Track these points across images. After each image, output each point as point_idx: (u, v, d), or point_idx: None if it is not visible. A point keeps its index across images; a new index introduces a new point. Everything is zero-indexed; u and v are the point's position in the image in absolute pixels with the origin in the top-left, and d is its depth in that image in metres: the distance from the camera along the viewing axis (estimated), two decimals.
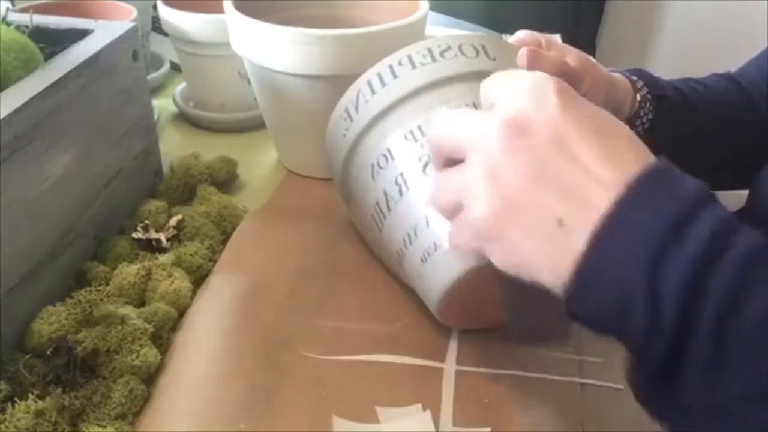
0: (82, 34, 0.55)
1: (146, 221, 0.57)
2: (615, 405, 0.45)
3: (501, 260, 0.36)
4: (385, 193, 0.48)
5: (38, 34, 0.53)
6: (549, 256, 0.33)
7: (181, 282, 0.51)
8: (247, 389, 0.45)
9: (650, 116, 0.61)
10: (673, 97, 0.62)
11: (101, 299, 0.48)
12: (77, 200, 0.51)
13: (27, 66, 0.49)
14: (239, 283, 0.54)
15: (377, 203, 0.49)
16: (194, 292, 0.53)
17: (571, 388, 0.46)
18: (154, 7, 0.82)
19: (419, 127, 0.47)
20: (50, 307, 0.47)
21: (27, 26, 0.54)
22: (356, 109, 0.51)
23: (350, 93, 0.51)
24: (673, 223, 0.30)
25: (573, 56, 0.56)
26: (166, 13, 0.73)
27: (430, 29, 0.69)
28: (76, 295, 0.48)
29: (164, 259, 0.53)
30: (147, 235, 0.56)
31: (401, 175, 0.48)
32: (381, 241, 0.51)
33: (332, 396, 0.45)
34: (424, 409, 0.44)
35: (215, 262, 0.56)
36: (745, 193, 0.70)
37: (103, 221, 0.55)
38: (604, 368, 0.48)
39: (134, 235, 0.56)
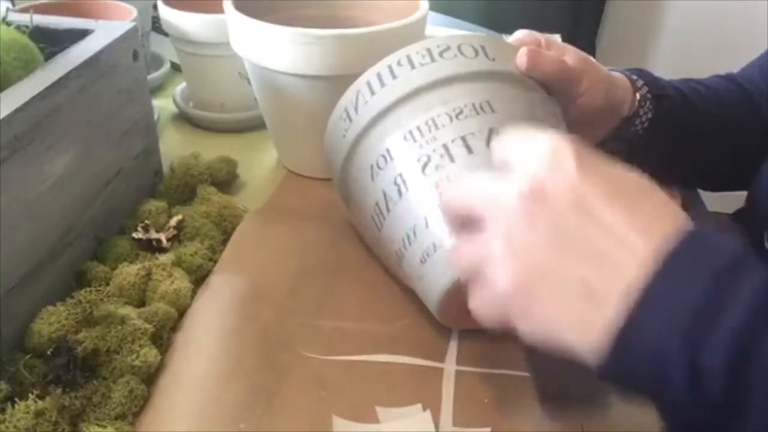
0: (82, 34, 0.55)
1: (146, 221, 0.57)
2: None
3: (527, 331, 0.34)
4: (385, 194, 0.48)
5: (38, 34, 0.53)
6: (578, 325, 0.32)
7: (181, 282, 0.51)
8: (247, 389, 0.45)
9: (650, 115, 0.61)
10: (673, 96, 0.62)
11: (101, 299, 0.49)
12: (77, 200, 0.51)
13: (27, 66, 0.49)
14: (239, 283, 0.54)
15: (376, 204, 0.49)
16: (194, 292, 0.53)
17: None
18: (154, 7, 0.82)
19: (418, 128, 0.47)
20: (50, 307, 0.47)
21: (27, 26, 0.54)
22: (355, 109, 0.51)
23: (349, 93, 0.51)
24: (712, 292, 0.29)
25: (572, 55, 0.56)
26: (166, 13, 0.73)
27: (430, 29, 0.69)
28: (76, 295, 0.48)
29: (164, 259, 0.53)
30: (147, 235, 0.56)
31: (400, 175, 0.48)
32: (380, 242, 0.51)
33: (332, 396, 0.45)
34: (424, 409, 0.44)
35: (215, 262, 0.56)
36: (745, 193, 0.70)
37: (103, 221, 0.55)
38: None
39: (134, 235, 0.56)
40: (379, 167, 0.49)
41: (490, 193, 0.35)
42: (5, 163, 0.42)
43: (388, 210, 0.49)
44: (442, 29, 0.92)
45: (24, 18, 0.55)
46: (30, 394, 0.41)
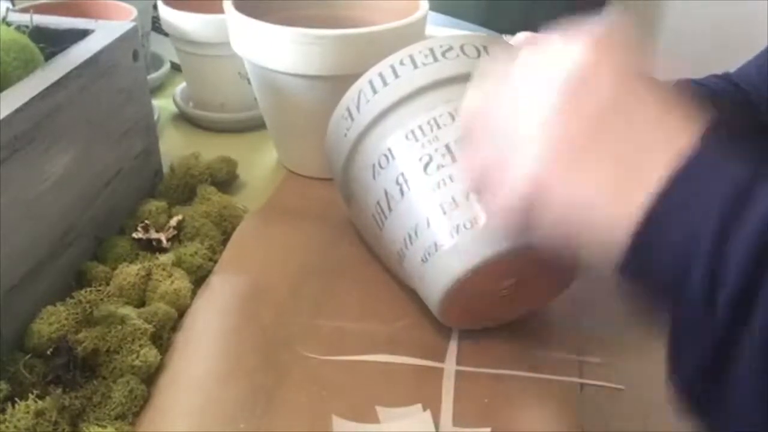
0: (82, 34, 0.55)
1: (146, 221, 0.57)
2: (615, 405, 0.45)
3: (553, 215, 0.34)
4: (386, 193, 0.48)
5: (38, 34, 0.53)
6: (615, 195, 0.31)
7: (181, 282, 0.51)
8: (247, 389, 0.45)
9: None
10: None
11: (101, 299, 0.48)
12: (77, 200, 0.51)
13: (27, 66, 0.49)
14: (239, 283, 0.54)
15: (378, 203, 0.49)
16: (194, 292, 0.53)
17: (571, 389, 0.46)
18: (154, 7, 0.82)
19: (420, 127, 0.48)
20: (50, 307, 0.47)
21: (27, 26, 0.54)
22: (357, 108, 0.51)
23: (352, 92, 0.51)
24: (750, 178, 0.29)
25: None
26: (166, 13, 0.73)
27: (430, 29, 0.69)
28: (76, 295, 0.48)
29: (164, 259, 0.53)
30: (147, 235, 0.56)
31: (402, 174, 0.48)
32: (381, 241, 0.51)
33: (332, 396, 0.45)
34: (424, 409, 0.44)
35: (215, 262, 0.56)
36: None
37: (103, 221, 0.55)
38: (604, 368, 0.48)
39: (134, 235, 0.55)
40: (380, 166, 0.49)
41: (523, 76, 0.35)
42: (5, 163, 0.42)
43: (389, 209, 0.49)
44: (443, 29, 0.92)
45: (24, 18, 0.55)
46: (30, 394, 0.41)
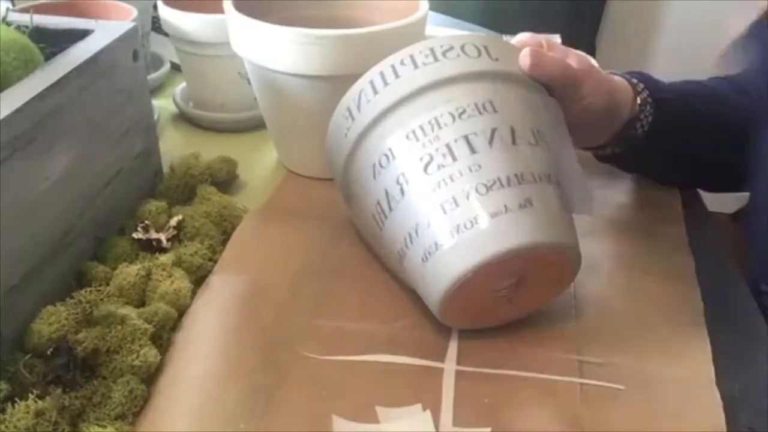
0: (82, 34, 0.55)
1: (146, 221, 0.57)
2: (615, 405, 0.45)
3: None
4: (387, 193, 0.48)
5: (38, 34, 0.53)
6: None
7: (181, 282, 0.51)
8: (247, 389, 0.45)
9: (650, 119, 0.61)
10: (673, 100, 0.62)
11: (101, 299, 0.48)
12: (77, 200, 0.51)
13: (27, 66, 0.49)
14: (239, 283, 0.54)
15: (378, 203, 0.49)
16: (194, 292, 0.53)
17: (571, 388, 0.46)
18: (155, 7, 0.82)
19: (421, 127, 0.48)
20: (50, 307, 0.47)
21: (27, 26, 0.54)
22: (358, 108, 0.51)
23: (352, 92, 0.51)
24: None
25: (574, 58, 0.56)
26: (166, 13, 0.73)
27: (430, 29, 0.69)
28: (76, 295, 0.48)
29: (164, 259, 0.53)
30: (147, 235, 0.56)
31: (402, 174, 0.48)
32: (382, 241, 0.51)
33: (332, 396, 0.45)
34: (424, 409, 0.44)
35: (215, 262, 0.56)
36: (746, 196, 0.70)
37: (103, 221, 0.55)
38: (604, 368, 0.48)
39: (134, 235, 0.55)
40: (381, 166, 0.49)
41: None
42: (5, 163, 0.42)
43: (390, 209, 0.48)
44: (443, 29, 0.92)
45: (24, 18, 0.55)
46: (30, 394, 0.41)
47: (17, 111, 0.43)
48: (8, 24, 0.52)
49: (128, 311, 0.48)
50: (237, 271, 0.55)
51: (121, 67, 0.55)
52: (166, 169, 0.64)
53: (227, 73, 0.74)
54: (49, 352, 0.44)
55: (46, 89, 0.46)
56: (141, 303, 0.51)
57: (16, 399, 0.41)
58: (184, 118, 0.80)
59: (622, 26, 1.77)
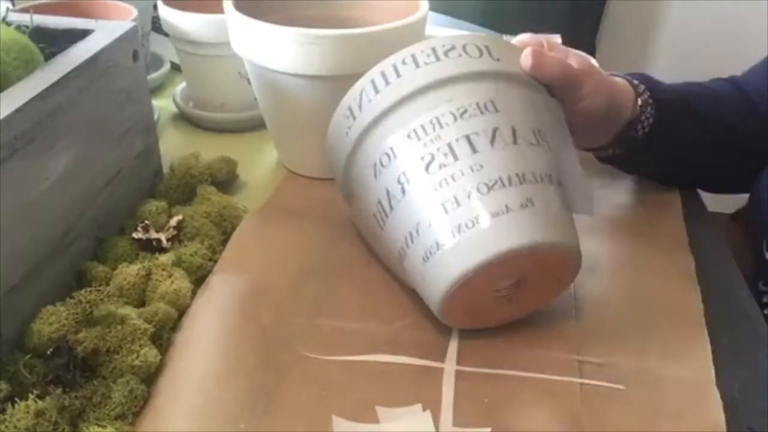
0: (82, 34, 0.55)
1: (146, 221, 0.57)
2: (615, 405, 0.45)
3: None
4: (388, 192, 0.48)
5: (38, 34, 0.53)
6: None
7: (181, 282, 0.51)
8: (247, 389, 0.45)
9: (651, 120, 0.61)
10: (674, 101, 0.62)
11: (101, 299, 0.48)
12: (77, 200, 0.51)
13: (27, 66, 0.49)
14: (239, 283, 0.54)
15: (379, 202, 0.49)
16: (194, 292, 0.53)
17: (571, 388, 0.46)
18: (155, 7, 0.82)
19: (422, 126, 0.48)
20: (50, 307, 0.47)
21: (27, 26, 0.54)
22: (359, 107, 0.51)
23: (353, 91, 0.51)
24: None
25: (575, 59, 0.56)
26: (166, 13, 0.73)
27: (430, 29, 0.69)
28: (76, 295, 0.48)
29: (164, 259, 0.53)
30: (147, 235, 0.55)
31: (404, 174, 0.48)
32: (382, 241, 0.51)
33: (332, 396, 0.45)
34: (424, 409, 0.44)
35: (215, 262, 0.56)
36: (746, 197, 0.70)
37: (103, 221, 0.55)
38: (604, 368, 0.48)
39: (134, 235, 0.55)
40: (382, 165, 0.49)
41: None
42: (5, 163, 0.42)
43: (390, 208, 0.48)
44: (443, 29, 0.92)
45: (24, 18, 0.55)
46: (30, 394, 0.41)
47: (17, 111, 0.43)
48: (8, 24, 0.52)
49: (128, 311, 0.48)
50: (237, 271, 0.55)
51: (121, 67, 0.55)
52: (166, 169, 0.64)
53: (227, 73, 0.74)
54: (49, 352, 0.44)
55: (46, 89, 0.46)
56: (141, 303, 0.51)
57: (16, 399, 0.41)
58: (184, 118, 0.80)
59: (622, 26, 1.77)
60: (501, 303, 0.49)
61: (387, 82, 0.49)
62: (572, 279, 0.50)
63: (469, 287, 0.45)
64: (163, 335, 0.48)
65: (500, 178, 0.45)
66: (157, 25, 0.85)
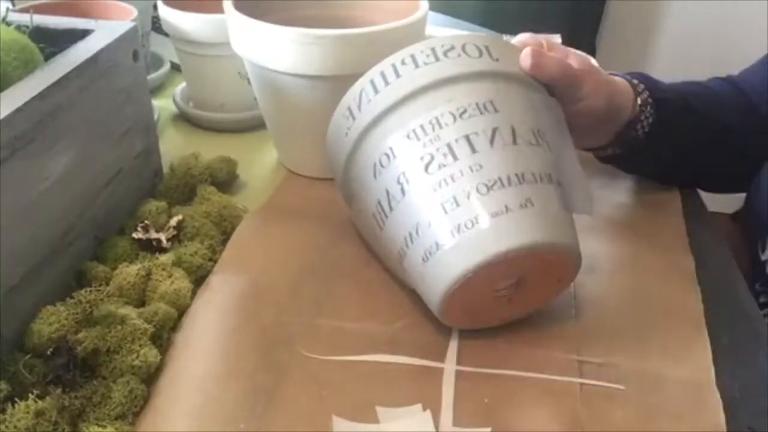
0: (82, 34, 0.55)
1: (146, 221, 0.57)
2: (615, 405, 0.45)
3: None
4: (387, 193, 0.48)
5: (38, 34, 0.53)
6: None
7: (181, 282, 0.51)
8: (247, 389, 0.45)
9: (651, 120, 0.61)
10: (674, 100, 0.62)
11: (101, 299, 0.48)
12: (77, 200, 0.51)
13: (27, 66, 0.49)
14: (239, 283, 0.54)
15: (379, 202, 0.49)
16: (194, 292, 0.53)
17: (571, 388, 0.46)
18: (155, 7, 0.82)
19: (422, 127, 0.48)
20: (50, 307, 0.47)
21: (27, 26, 0.54)
22: (359, 107, 0.51)
23: (353, 91, 0.51)
24: None
25: (574, 58, 0.56)
26: (166, 13, 0.73)
27: (430, 29, 0.69)
28: (76, 295, 0.48)
29: (164, 259, 0.53)
30: (147, 235, 0.56)
31: (403, 174, 0.48)
32: (382, 241, 0.51)
33: (332, 396, 0.45)
34: (424, 409, 0.44)
35: (215, 262, 0.56)
36: (743, 196, 0.70)
37: (103, 221, 0.55)
38: (604, 368, 0.48)
39: (134, 235, 0.55)
40: (381, 165, 0.49)
41: None
42: (5, 163, 0.42)
43: (390, 208, 0.48)
44: (443, 29, 0.92)
45: (24, 18, 0.55)
46: (30, 394, 0.41)
47: (17, 111, 0.43)
48: (8, 24, 0.52)
49: (128, 311, 0.48)
50: (237, 271, 0.55)
51: (121, 67, 0.55)
52: (166, 169, 0.64)
53: (227, 73, 0.74)
54: (49, 352, 0.44)
55: (46, 89, 0.46)
56: (141, 303, 0.51)
57: (16, 399, 0.41)
58: (184, 118, 0.80)
59: (622, 26, 1.77)
60: (501, 303, 0.49)
61: (386, 83, 0.49)
62: (572, 279, 0.50)
63: (468, 287, 0.45)
64: (163, 335, 0.48)
65: (500, 178, 0.45)
66: (157, 25, 0.85)
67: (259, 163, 0.72)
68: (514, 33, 0.59)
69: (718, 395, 0.46)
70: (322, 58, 0.58)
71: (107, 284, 0.51)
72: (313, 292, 0.54)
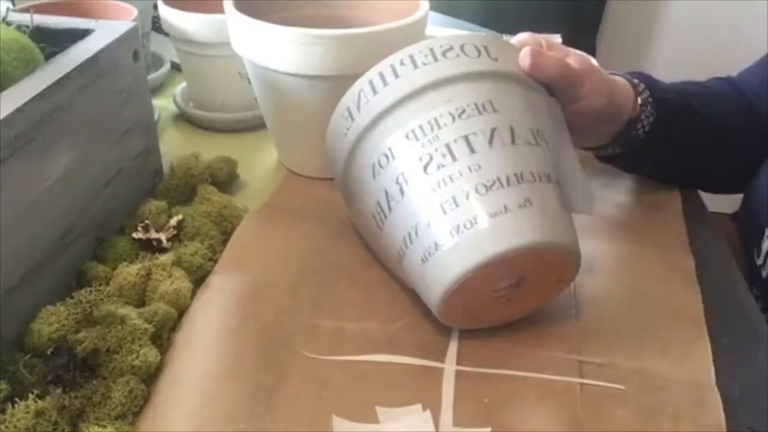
0: (82, 34, 0.55)
1: (146, 221, 0.57)
2: (615, 405, 0.45)
3: None
4: (386, 193, 0.48)
5: (38, 34, 0.53)
6: None
7: (181, 282, 0.51)
8: (247, 389, 0.45)
9: (651, 119, 0.61)
10: (674, 100, 0.62)
11: (101, 299, 0.48)
12: (77, 200, 0.51)
13: (27, 66, 0.49)
14: (239, 282, 0.54)
15: (378, 203, 0.49)
16: (194, 292, 0.53)
17: (571, 388, 0.46)
18: (155, 6, 0.82)
19: (420, 127, 0.48)
20: (50, 307, 0.47)
21: (27, 26, 0.54)
22: (358, 108, 0.51)
23: (352, 92, 0.51)
24: None
25: (574, 58, 0.56)
26: (167, 13, 0.73)
27: (430, 29, 0.69)
28: (76, 295, 0.48)
29: (164, 259, 0.53)
30: (147, 235, 0.56)
31: (402, 174, 0.48)
32: (381, 241, 0.51)
33: (332, 396, 0.45)
34: (424, 409, 0.44)
35: (215, 262, 0.56)
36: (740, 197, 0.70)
37: (103, 221, 0.55)
38: (604, 368, 0.48)
39: (134, 235, 0.55)
40: (380, 166, 0.49)
41: None
42: (5, 163, 0.42)
43: (389, 209, 0.49)
44: (443, 29, 0.92)
45: (24, 18, 0.55)
46: (30, 394, 0.41)
47: (17, 111, 0.43)
48: (8, 24, 0.52)
49: (128, 311, 0.48)
50: (237, 271, 0.55)
51: (121, 67, 0.55)
52: (166, 169, 0.64)
53: (227, 73, 0.75)
54: (49, 352, 0.44)
55: (47, 89, 0.46)
56: (141, 303, 0.51)
57: (16, 399, 0.41)
58: (184, 118, 0.80)
59: (622, 26, 1.77)
60: (501, 303, 0.49)
61: (385, 83, 0.49)
62: (572, 279, 0.50)
63: (468, 288, 0.45)
64: (163, 335, 0.48)
65: (498, 179, 0.45)
66: (157, 25, 0.85)
67: (259, 163, 0.72)
68: (514, 33, 0.59)
69: (718, 395, 0.46)
70: (322, 58, 0.58)
71: (107, 284, 0.51)
72: (313, 292, 0.54)
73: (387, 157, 0.48)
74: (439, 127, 0.47)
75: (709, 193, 0.71)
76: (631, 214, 0.66)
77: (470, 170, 0.45)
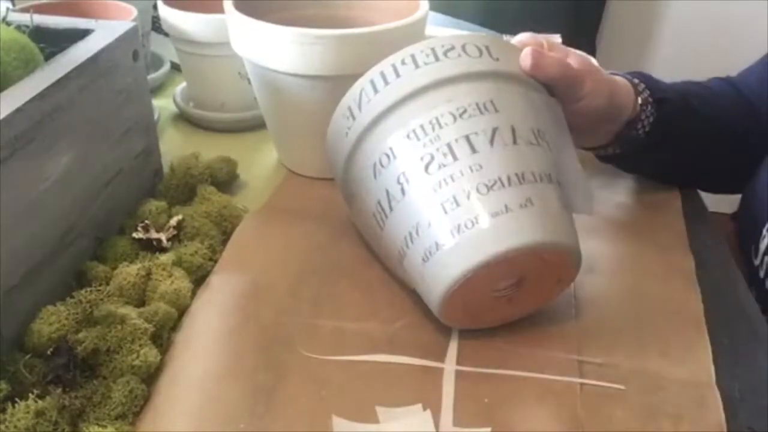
0: (82, 34, 0.55)
1: (146, 221, 0.57)
2: (615, 405, 0.45)
3: None
4: (387, 193, 0.48)
5: (38, 34, 0.53)
6: None
7: (181, 282, 0.51)
8: (247, 389, 0.45)
9: (651, 119, 0.61)
10: (674, 100, 0.62)
11: (101, 299, 0.48)
12: (77, 200, 0.51)
13: (27, 66, 0.49)
14: (239, 282, 0.54)
15: (379, 202, 0.49)
16: (194, 292, 0.53)
17: (571, 388, 0.46)
18: (155, 6, 0.82)
19: (422, 127, 0.48)
20: (50, 307, 0.47)
21: (27, 26, 0.54)
22: (359, 107, 0.51)
23: (353, 91, 0.51)
24: None
25: (574, 58, 0.56)
26: (167, 13, 0.73)
27: (430, 29, 0.69)
28: (76, 295, 0.48)
29: (164, 259, 0.53)
30: (147, 235, 0.56)
31: (403, 174, 0.48)
32: (382, 241, 0.51)
33: (332, 396, 0.45)
34: (424, 409, 0.44)
35: (215, 262, 0.56)
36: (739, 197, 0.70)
37: (103, 221, 0.55)
38: (604, 368, 0.48)
39: (134, 235, 0.55)
40: (381, 165, 0.49)
41: None
42: (5, 163, 0.42)
43: (390, 209, 0.48)
44: (443, 29, 0.92)
45: (24, 18, 0.55)
46: (30, 394, 0.41)
47: (17, 111, 0.43)
48: (8, 24, 0.52)
49: (128, 311, 0.48)
50: (237, 271, 0.55)
51: (121, 67, 0.55)
52: (166, 169, 0.64)
53: (227, 73, 0.74)
54: (49, 352, 0.44)
55: (47, 89, 0.46)
56: (141, 303, 0.51)
57: (16, 399, 0.41)
58: (184, 118, 0.80)
59: (621, 26, 1.77)
60: (501, 303, 0.49)
61: (386, 83, 0.49)
62: (572, 279, 0.50)
63: (468, 287, 0.45)
64: (163, 335, 0.48)
65: (500, 178, 0.45)
66: (157, 25, 0.85)
67: (259, 163, 0.72)
68: (514, 33, 0.59)
69: (718, 395, 0.46)
70: (322, 58, 0.58)
71: (107, 284, 0.51)
72: (313, 292, 0.54)
73: (388, 156, 0.48)
74: (441, 127, 0.47)
75: (709, 193, 0.71)
76: (631, 214, 0.66)
77: (471, 170, 0.45)
